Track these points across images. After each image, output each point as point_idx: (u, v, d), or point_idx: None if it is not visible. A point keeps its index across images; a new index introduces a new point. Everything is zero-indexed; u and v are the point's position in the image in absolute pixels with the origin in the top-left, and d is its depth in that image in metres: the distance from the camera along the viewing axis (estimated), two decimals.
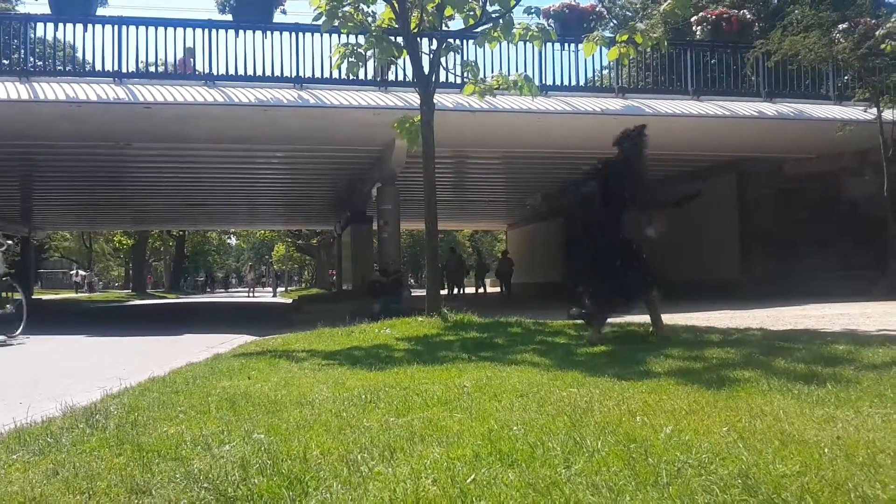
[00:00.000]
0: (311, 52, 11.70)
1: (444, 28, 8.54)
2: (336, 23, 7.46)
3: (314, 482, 2.01)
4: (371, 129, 11.59)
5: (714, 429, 2.41)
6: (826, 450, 2.11)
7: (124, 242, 43.82)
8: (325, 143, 13.26)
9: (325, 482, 2.01)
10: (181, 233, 44.83)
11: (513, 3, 7.38)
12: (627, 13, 25.90)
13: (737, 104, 12.82)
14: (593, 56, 8.69)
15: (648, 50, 10.38)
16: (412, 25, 7.75)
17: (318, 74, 11.63)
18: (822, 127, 12.56)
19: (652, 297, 5.43)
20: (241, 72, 11.49)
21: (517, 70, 10.92)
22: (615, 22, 24.05)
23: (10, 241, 9.47)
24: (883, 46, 11.89)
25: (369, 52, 7.90)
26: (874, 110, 12.22)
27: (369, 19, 7.73)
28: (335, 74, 11.01)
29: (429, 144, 7.80)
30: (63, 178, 16.75)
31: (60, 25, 11.32)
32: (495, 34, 7.47)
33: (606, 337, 5.41)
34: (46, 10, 11.39)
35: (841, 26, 12.46)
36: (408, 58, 8.04)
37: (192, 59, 11.52)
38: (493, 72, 9.86)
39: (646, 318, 5.61)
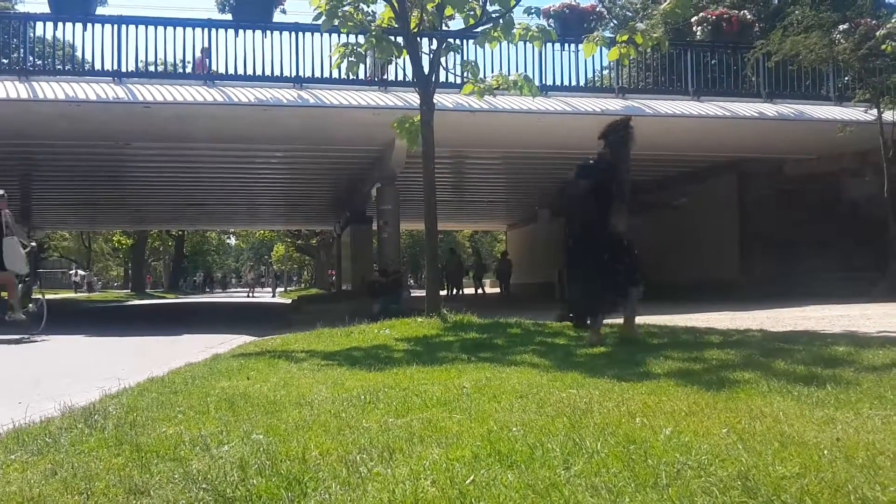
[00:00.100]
0: (310, 51, 11.72)
1: (444, 28, 8.54)
2: (336, 22, 7.45)
3: (313, 483, 2.00)
4: (371, 128, 11.58)
5: (714, 430, 2.40)
6: (826, 451, 2.10)
7: (123, 242, 43.79)
8: (325, 143, 13.26)
9: (323, 483, 2.00)
10: (180, 233, 44.81)
11: (513, 2, 7.37)
12: (628, 13, 25.90)
13: (737, 105, 12.83)
14: (593, 56, 8.70)
15: (649, 50, 10.37)
16: (412, 25, 7.75)
17: (317, 74, 11.63)
18: (823, 128, 12.57)
19: (632, 294, 5.36)
20: (240, 71, 11.49)
21: (517, 70, 10.93)
22: (615, 22, 24.05)
23: (33, 244, 9.73)
24: (883, 47, 11.89)
25: (368, 52, 7.90)
26: (874, 111, 12.22)
27: (369, 19, 7.72)
28: (335, 74, 11.02)
29: (428, 144, 7.79)
30: (62, 178, 16.75)
31: (60, 24, 11.33)
32: (495, 34, 7.46)
33: (605, 338, 5.40)
34: (46, 9, 11.41)
35: (841, 27, 12.46)
36: (408, 57, 8.04)
37: (208, 59, 11.52)
38: (493, 72, 9.87)
39: (646, 319, 5.61)
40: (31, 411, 3.18)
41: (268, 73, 11.49)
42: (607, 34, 9.88)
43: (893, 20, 12.53)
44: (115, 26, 11.07)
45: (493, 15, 7.50)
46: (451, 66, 8.79)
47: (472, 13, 7.63)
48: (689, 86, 12.96)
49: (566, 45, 12.33)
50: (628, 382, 3.44)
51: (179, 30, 11.39)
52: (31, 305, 8.76)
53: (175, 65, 12.05)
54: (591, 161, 5.41)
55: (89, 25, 11.14)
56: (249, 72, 11.48)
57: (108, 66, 11.05)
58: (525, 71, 10.87)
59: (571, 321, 5.64)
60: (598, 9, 13.83)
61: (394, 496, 1.87)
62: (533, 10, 8.18)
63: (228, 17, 11.69)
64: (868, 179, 12.93)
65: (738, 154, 14.56)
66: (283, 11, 12.13)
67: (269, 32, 11.55)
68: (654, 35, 7.10)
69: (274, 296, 41.38)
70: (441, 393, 3.30)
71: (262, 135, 12.39)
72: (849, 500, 1.74)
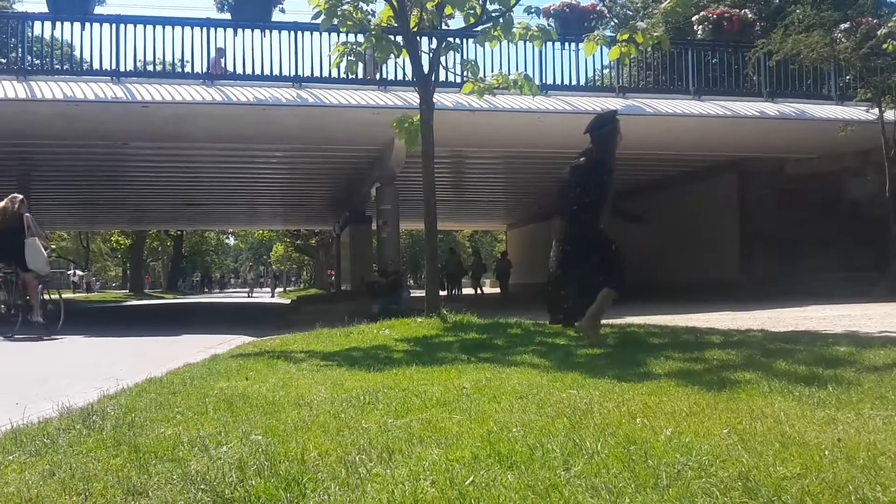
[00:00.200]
0: (310, 50, 11.77)
1: (444, 27, 8.53)
2: (335, 21, 7.44)
3: (312, 484, 1.99)
4: (370, 128, 11.57)
5: (714, 431, 2.39)
6: (827, 452, 2.09)
7: (122, 242, 43.84)
8: (324, 143, 13.26)
9: (322, 484, 1.99)
10: (179, 233, 44.83)
11: (513, 1, 7.36)
12: (628, 12, 25.90)
13: (738, 104, 12.82)
14: (594, 55, 8.69)
15: (649, 49, 10.37)
16: (412, 24, 7.73)
17: (317, 73, 11.63)
18: (824, 127, 12.56)
19: (608, 292, 5.05)
20: (239, 71, 11.48)
21: (517, 69, 10.91)
22: (616, 21, 24.04)
23: (53, 246, 9.98)
24: (885, 46, 11.89)
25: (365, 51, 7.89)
26: (876, 110, 12.22)
27: (369, 18, 7.71)
28: (334, 73, 11.01)
29: (428, 144, 7.78)
30: (60, 178, 16.74)
31: (58, 24, 11.31)
32: (495, 33, 7.45)
33: (605, 338, 5.38)
34: (44, 9, 11.40)
35: (843, 26, 12.47)
36: (407, 57, 8.03)
37: (222, 60, 11.51)
38: (493, 71, 9.86)
39: (645, 319, 5.59)
40: (28, 412, 3.17)
41: (267, 72, 11.48)
42: (608, 33, 9.86)
43: (895, 19, 12.52)
44: (114, 25, 11.06)
45: (493, 14, 7.49)
46: (450, 65, 8.78)
47: (472, 12, 7.61)
48: (690, 85, 12.95)
49: (566, 44, 12.32)
50: (629, 383, 3.43)
51: (178, 29, 11.38)
52: (49, 306, 9.11)
53: (174, 64, 12.04)
54: (581, 159, 5.34)
55: (87, 25, 11.14)
56: (248, 71, 11.48)
57: (106, 66, 11.04)
58: (525, 70, 10.87)
59: (561, 322, 5.56)
60: (598, 8, 13.82)
61: (393, 497, 1.86)
62: (533, 10, 8.18)
63: (227, 16, 11.68)
64: (869, 179, 12.94)
65: (739, 153, 14.56)
66: (282, 11, 12.15)
67: (268, 32, 11.54)
68: (655, 34, 7.08)
69: (273, 296, 41.42)
70: (441, 393, 3.29)
71: (261, 134, 12.38)
72: (850, 500, 1.73)
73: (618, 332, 5.80)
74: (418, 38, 8.12)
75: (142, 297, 35.35)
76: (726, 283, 14.32)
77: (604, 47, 8.11)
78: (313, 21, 7.57)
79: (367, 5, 7.65)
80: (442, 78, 8.41)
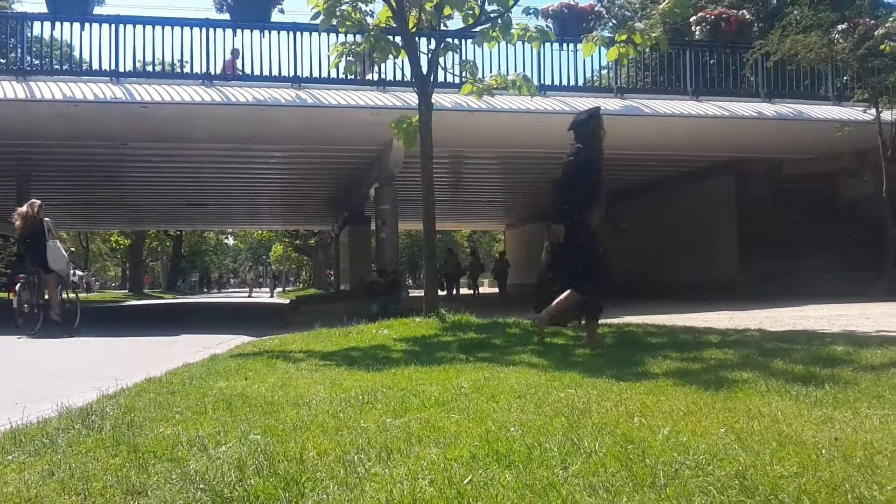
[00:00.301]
0: (308, 51, 11.74)
1: (443, 27, 8.53)
2: (334, 22, 7.44)
3: (311, 483, 2.00)
4: (369, 128, 11.57)
5: (712, 430, 2.40)
6: (824, 451, 2.10)
7: (121, 242, 43.79)
8: (323, 143, 13.25)
9: (321, 483, 2.00)
10: (178, 233, 44.79)
11: (511, 2, 7.36)
12: (626, 13, 25.90)
13: (736, 104, 12.83)
14: (592, 56, 8.69)
15: (647, 50, 10.36)
16: (410, 24, 7.74)
17: (315, 74, 11.62)
18: (821, 127, 12.57)
19: (572, 293, 4.93)
20: (238, 71, 11.47)
21: (516, 70, 10.91)
22: (614, 22, 24.04)
23: (72, 249, 10.17)
24: (882, 47, 11.90)
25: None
26: (873, 111, 12.24)
27: (367, 18, 7.71)
28: (333, 74, 11.01)
29: (427, 144, 7.78)
30: (60, 178, 16.73)
31: (57, 24, 11.31)
32: (494, 34, 7.45)
33: (604, 339, 5.39)
34: (43, 9, 11.40)
35: (840, 27, 12.48)
36: (406, 57, 8.03)
37: (237, 60, 11.50)
38: (491, 71, 9.86)
39: (643, 319, 5.60)
40: (28, 412, 3.17)
41: (266, 72, 11.48)
42: (606, 34, 9.88)
43: (892, 20, 12.54)
44: (113, 26, 11.06)
45: (492, 15, 7.50)
46: (449, 65, 8.79)
47: (470, 13, 7.62)
48: (688, 85, 12.96)
49: (565, 44, 12.32)
50: (626, 382, 3.44)
51: (177, 29, 11.38)
52: (67, 305, 9.60)
53: (173, 65, 12.04)
54: (570, 158, 5.33)
55: (87, 25, 11.13)
56: (247, 71, 11.47)
57: (105, 66, 11.04)
58: (524, 71, 10.85)
59: (557, 324, 5.45)
60: (596, 8, 13.82)
61: (391, 496, 1.86)
62: (531, 10, 8.19)
63: (226, 16, 11.68)
64: (866, 179, 12.95)
65: (737, 154, 14.57)
66: (281, 11, 12.14)
67: (266, 32, 11.54)
68: (653, 35, 7.09)
69: (272, 296, 41.38)
70: (439, 393, 3.29)
71: (260, 135, 12.38)
72: (846, 499, 1.74)
73: (616, 332, 5.80)
74: (417, 38, 8.13)
75: (141, 297, 35.30)
76: (724, 283, 14.34)
77: (602, 48, 8.13)
78: (312, 21, 7.57)
79: (366, 6, 7.65)
80: (441, 78, 8.41)
